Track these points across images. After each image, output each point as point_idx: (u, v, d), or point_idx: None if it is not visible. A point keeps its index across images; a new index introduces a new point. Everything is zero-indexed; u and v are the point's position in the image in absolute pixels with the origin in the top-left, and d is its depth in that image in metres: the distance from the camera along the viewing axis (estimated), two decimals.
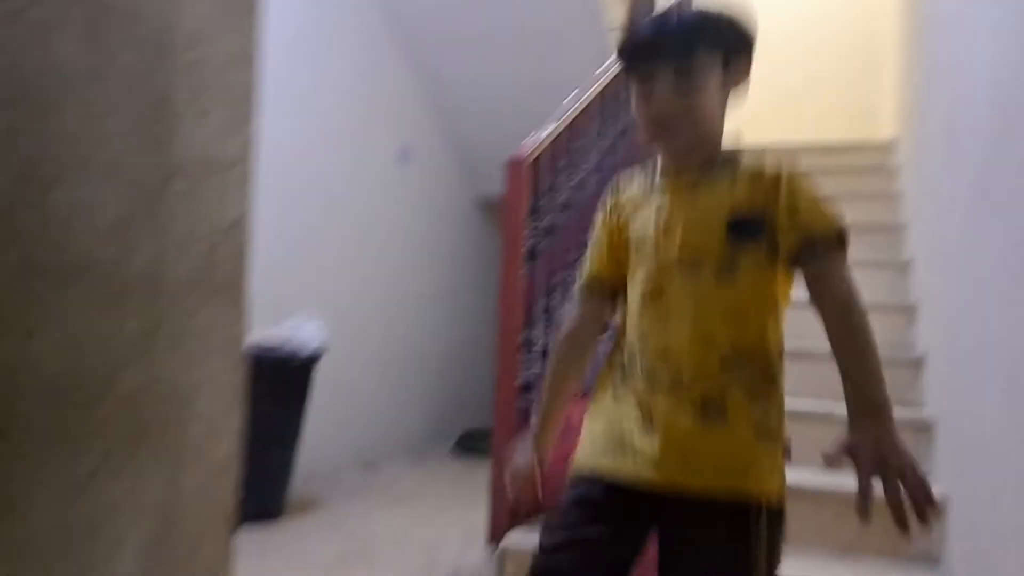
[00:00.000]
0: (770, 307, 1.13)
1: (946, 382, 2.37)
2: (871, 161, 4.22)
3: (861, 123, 4.81)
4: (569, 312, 1.34)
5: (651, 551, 1.14)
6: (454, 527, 3.20)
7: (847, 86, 4.97)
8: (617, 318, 1.28)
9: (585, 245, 1.34)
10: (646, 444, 1.10)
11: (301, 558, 2.75)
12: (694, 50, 1.11)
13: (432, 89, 5.38)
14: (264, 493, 3.17)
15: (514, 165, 2.62)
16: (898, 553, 2.14)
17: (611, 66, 3.24)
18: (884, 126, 4.52)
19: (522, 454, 1.31)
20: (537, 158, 2.73)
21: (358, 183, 4.70)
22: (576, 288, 1.34)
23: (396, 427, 5.20)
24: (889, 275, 3.29)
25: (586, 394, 1.26)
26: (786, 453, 1.12)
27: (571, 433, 1.32)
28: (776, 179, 1.12)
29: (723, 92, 1.17)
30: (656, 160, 1.24)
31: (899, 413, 2.60)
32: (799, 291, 1.12)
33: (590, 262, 1.31)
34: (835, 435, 0.99)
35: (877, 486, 0.94)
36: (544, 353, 2.62)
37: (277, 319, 3.36)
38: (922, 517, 0.91)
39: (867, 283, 3.30)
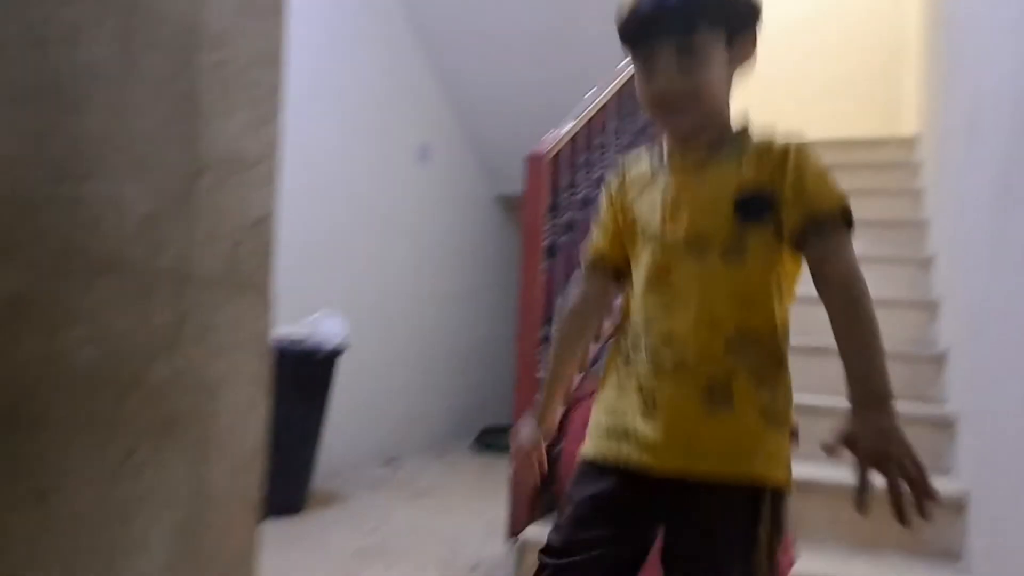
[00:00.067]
0: (777, 289, 1.11)
1: (968, 378, 2.36)
2: (894, 157, 4.19)
3: (885, 119, 4.76)
4: (573, 290, 1.34)
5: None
6: (475, 521, 3.22)
7: (871, 82, 4.92)
8: (620, 302, 1.27)
9: None
10: (649, 430, 1.09)
11: (323, 551, 2.78)
12: (695, 26, 1.09)
13: (453, 89, 5.40)
14: (287, 487, 3.21)
15: (533, 161, 2.63)
16: (917, 548, 2.14)
17: (629, 63, 3.24)
18: (908, 122, 4.49)
19: (526, 431, 1.31)
20: (557, 154, 2.74)
21: (380, 181, 4.73)
22: (582, 267, 1.34)
23: (417, 423, 5.23)
24: (911, 271, 3.27)
25: (585, 377, 1.27)
26: (793, 437, 1.11)
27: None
28: (784, 153, 1.09)
29: (728, 70, 1.14)
30: (662, 140, 1.22)
31: (921, 409, 2.60)
32: (808, 286, 1.10)
33: (595, 241, 1.30)
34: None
35: (878, 478, 0.93)
36: None
37: (300, 315, 3.39)
38: (922, 510, 0.90)
39: (889, 279, 3.31)
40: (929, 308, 3.05)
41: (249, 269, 1.08)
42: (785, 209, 1.08)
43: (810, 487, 2.04)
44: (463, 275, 5.93)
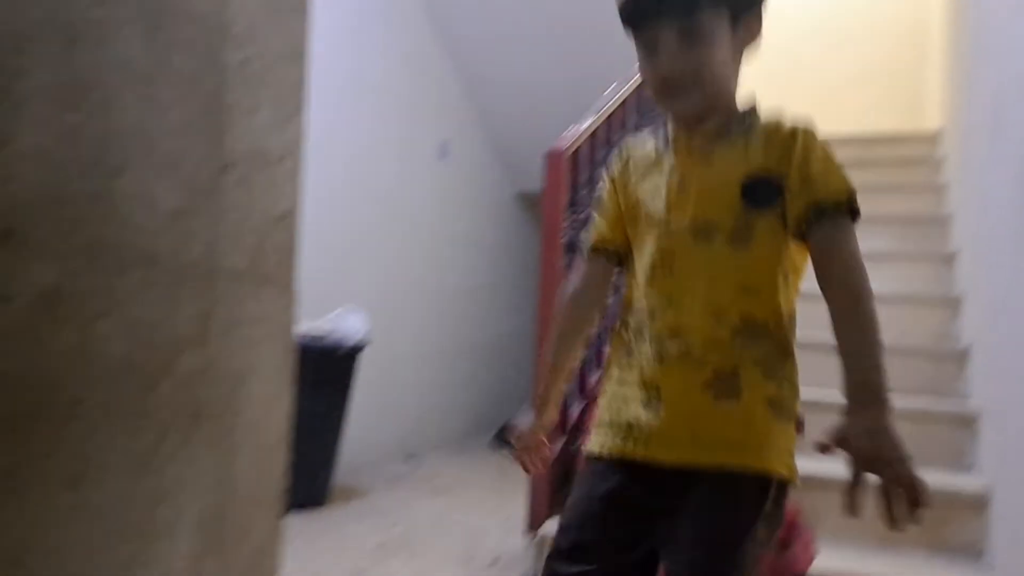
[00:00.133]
0: (783, 279, 1.09)
1: (990, 374, 2.34)
2: (917, 152, 4.16)
3: (908, 114, 4.73)
4: (573, 276, 1.30)
5: None
6: (494, 516, 3.24)
7: (894, 76, 4.88)
8: (623, 292, 1.23)
9: None
10: (654, 422, 1.07)
11: (345, 544, 2.81)
12: (698, 7, 1.06)
13: (474, 86, 5.42)
14: (309, 481, 3.24)
15: (553, 157, 2.64)
16: (939, 544, 2.13)
17: None
18: (931, 117, 4.45)
19: (526, 420, 1.28)
20: (576, 151, 2.74)
21: (401, 179, 4.76)
22: (583, 252, 1.30)
23: (437, 419, 5.26)
24: (934, 267, 3.26)
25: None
26: (799, 428, 1.09)
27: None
28: (791, 136, 1.07)
29: (733, 51, 1.11)
30: (666, 124, 1.20)
31: (943, 405, 2.59)
32: (815, 282, 1.07)
33: (596, 226, 1.27)
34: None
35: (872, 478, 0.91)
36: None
37: (322, 311, 3.42)
38: (912, 514, 0.88)
39: (912, 275, 3.30)
40: (952, 304, 3.03)
41: (274, 264, 1.10)
42: (790, 196, 1.06)
43: (830, 483, 2.03)
44: (483, 272, 5.94)
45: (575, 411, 2.68)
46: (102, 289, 0.83)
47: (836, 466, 0.98)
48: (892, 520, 0.89)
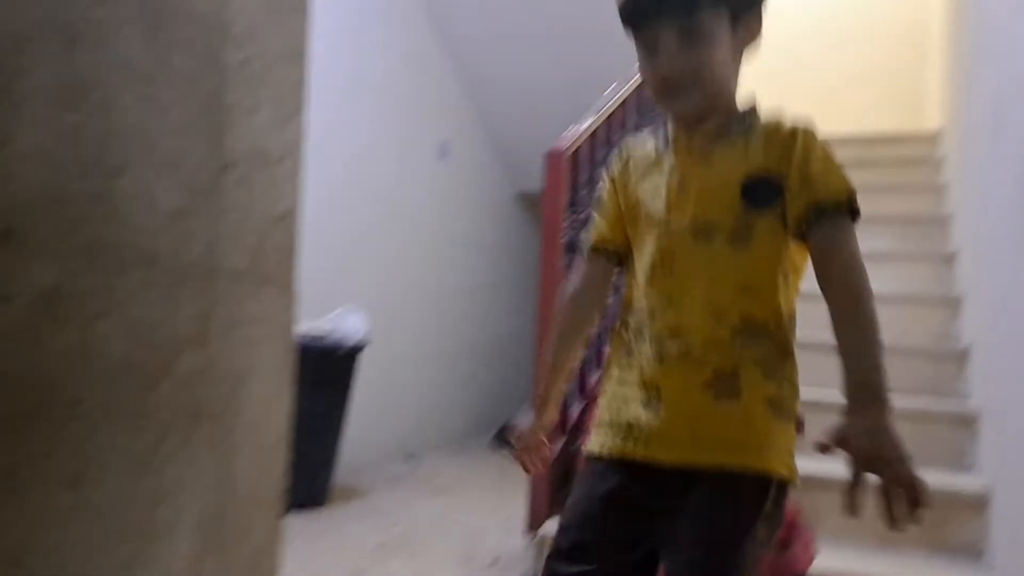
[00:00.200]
0: (784, 280, 1.09)
1: (991, 374, 2.34)
2: (917, 152, 4.16)
3: (908, 113, 4.73)
4: (573, 276, 1.30)
5: None
6: (494, 516, 3.24)
7: (894, 76, 4.88)
8: (622, 292, 1.23)
9: None
10: (654, 422, 1.07)
11: (345, 544, 2.81)
12: (698, 6, 1.06)
13: (474, 86, 5.42)
14: (309, 481, 3.24)
15: (553, 157, 2.64)
16: (939, 544, 2.13)
17: None
18: (931, 117, 4.45)
19: (526, 420, 1.28)
20: (576, 151, 2.74)
21: (401, 179, 4.77)
22: (583, 252, 1.30)
23: (437, 419, 5.26)
24: (934, 267, 3.26)
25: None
26: (799, 428, 1.08)
27: None
28: (791, 136, 1.07)
29: (733, 51, 1.11)
30: (666, 124, 1.19)
31: (943, 405, 2.59)
32: (814, 282, 1.07)
33: (596, 226, 1.26)
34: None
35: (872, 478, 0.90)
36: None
37: (321, 311, 3.42)
38: (912, 514, 0.88)
39: (912, 275, 3.30)
40: (952, 304, 3.03)
41: (274, 264, 1.10)
42: (790, 196, 1.05)
43: (830, 483, 2.03)
44: (483, 271, 5.95)
45: (575, 411, 2.68)
46: (102, 289, 0.83)
47: (836, 466, 0.98)
48: (892, 520, 0.89)
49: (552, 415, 1.29)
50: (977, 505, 2.14)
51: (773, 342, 1.07)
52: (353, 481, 3.84)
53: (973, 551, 2.13)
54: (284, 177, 1.10)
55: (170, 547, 0.94)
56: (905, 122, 4.66)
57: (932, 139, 4.19)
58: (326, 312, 3.46)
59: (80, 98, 0.79)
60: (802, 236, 1.06)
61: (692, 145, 1.14)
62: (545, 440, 1.28)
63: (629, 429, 1.10)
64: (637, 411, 1.10)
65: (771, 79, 4.67)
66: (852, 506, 0.90)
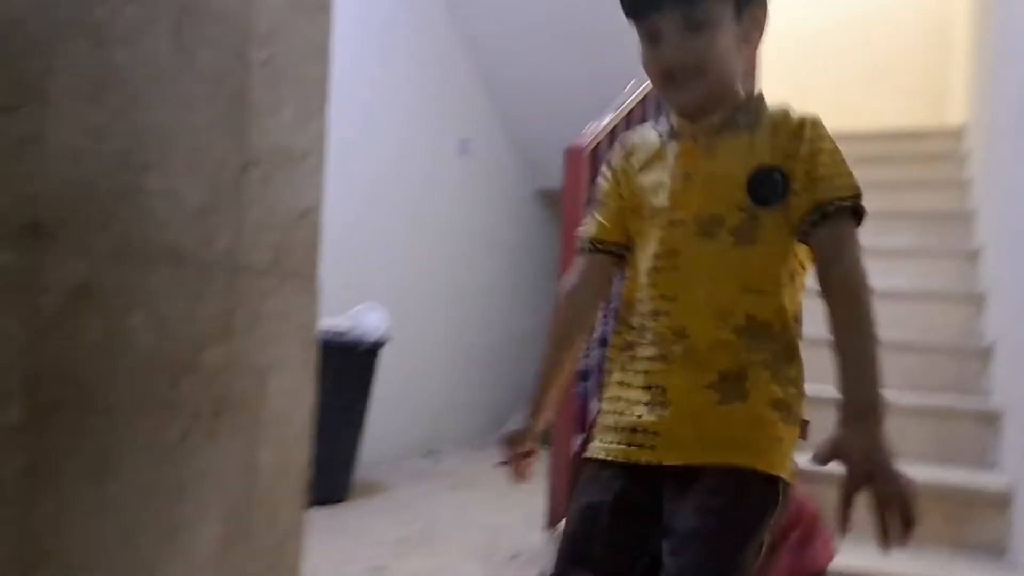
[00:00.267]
0: (789, 279, 1.05)
1: (1014, 372, 2.32)
2: (941, 148, 4.12)
3: (932, 108, 4.68)
4: (570, 274, 1.24)
5: None
6: (514, 512, 3.24)
7: (918, 71, 4.84)
8: (623, 290, 1.17)
9: None
10: (658, 424, 1.04)
11: (366, 539, 2.83)
12: None
13: (492, 83, 5.42)
14: (330, 477, 3.26)
15: (573, 154, 2.64)
16: (961, 542, 2.11)
17: None
18: (955, 111, 4.41)
19: (517, 422, 1.23)
20: (596, 148, 2.74)
21: (422, 176, 4.78)
22: (579, 250, 1.23)
23: (457, 415, 5.27)
24: (958, 263, 3.22)
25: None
26: (803, 431, 1.06)
27: None
28: (799, 128, 1.04)
29: (737, 42, 1.06)
30: (669, 117, 1.15)
31: (966, 402, 2.55)
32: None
33: (594, 224, 1.20)
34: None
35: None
36: (602, 342, 2.64)
37: (343, 308, 3.44)
38: (905, 533, 0.86)
39: (936, 271, 3.27)
40: (976, 301, 3.00)
41: (297, 259, 1.11)
42: (795, 193, 1.02)
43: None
44: (503, 269, 5.95)
45: (595, 408, 2.68)
46: (130, 284, 0.84)
47: None
48: (885, 539, 0.87)
49: (547, 420, 1.24)
50: (1000, 503, 2.12)
51: (779, 343, 1.05)
52: (374, 477, 3.85)
53: (996, 549, 2.11)
54: (307, 174, 1.11)
55: (195, 538, 0.96)
56: (929, 117, 4.61)
57: (956, 134, 4.14)
58: (347, 308, 3.48)
59: (107, 96, 0.81)
60: (804, 236, 1.03)
61: (696, 139, 1.10)
62: (535, 448, 1.23)
63: (633, 433, 1.07)
64: (641, 414, 1.07)
65: (795, 74, 4.66)
66: (844, 523, 0.88)
